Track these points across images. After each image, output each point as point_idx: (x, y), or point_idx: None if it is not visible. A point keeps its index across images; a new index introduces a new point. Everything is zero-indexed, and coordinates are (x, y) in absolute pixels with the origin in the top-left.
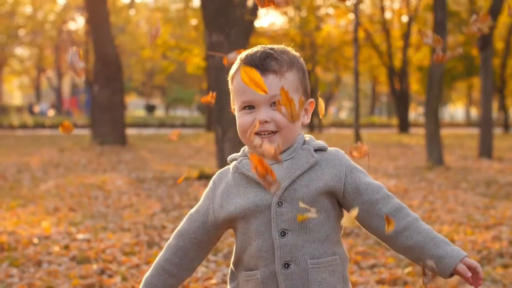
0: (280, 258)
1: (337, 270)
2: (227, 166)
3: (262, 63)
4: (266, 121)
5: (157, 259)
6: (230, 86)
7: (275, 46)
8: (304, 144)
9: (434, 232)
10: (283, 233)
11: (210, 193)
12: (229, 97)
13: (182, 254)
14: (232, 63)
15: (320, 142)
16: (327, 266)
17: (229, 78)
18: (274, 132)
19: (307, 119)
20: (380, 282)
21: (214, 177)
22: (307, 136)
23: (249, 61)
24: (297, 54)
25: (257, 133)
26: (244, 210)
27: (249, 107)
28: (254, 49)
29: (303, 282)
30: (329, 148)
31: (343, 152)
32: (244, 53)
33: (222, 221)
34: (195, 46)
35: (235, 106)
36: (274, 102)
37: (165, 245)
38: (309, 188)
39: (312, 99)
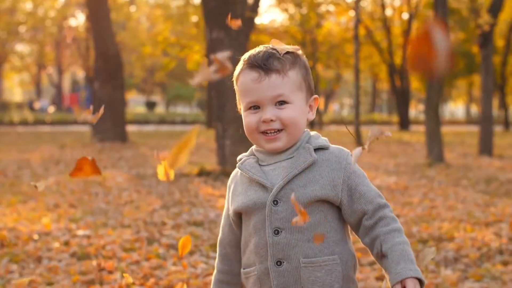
0: (272, 256)
1: (335, 270)
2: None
3: (265, 63)
4: (271, 120)
5: (213, 275)
6: (235, 87)
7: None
8: (308, 142)
9: (401, 247)
10: (276, 232)
11: (227, 197)
12: (230, 94)
13: (228, 260)
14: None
15: (322, 141)
16: (322, 265)
17: (234, 79)
18: (279, 130)
19: (312, 115)
20: (380, 278)
21: (228, 181)
22: (313, 133)
23: (252, 61)
24: (300, 52)
25: (263, 132)
26: (245, 207)
27: (254, 107)
28: (257, 49)
29: (296, 279)
30: (332, 146)
31: (348, 151)
32: (247, 54)
33: (235, 218)
34: (196, 43)
35: (241, 106)
36: (279, 101)
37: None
38: (306, 189)
39: (316, 96)
